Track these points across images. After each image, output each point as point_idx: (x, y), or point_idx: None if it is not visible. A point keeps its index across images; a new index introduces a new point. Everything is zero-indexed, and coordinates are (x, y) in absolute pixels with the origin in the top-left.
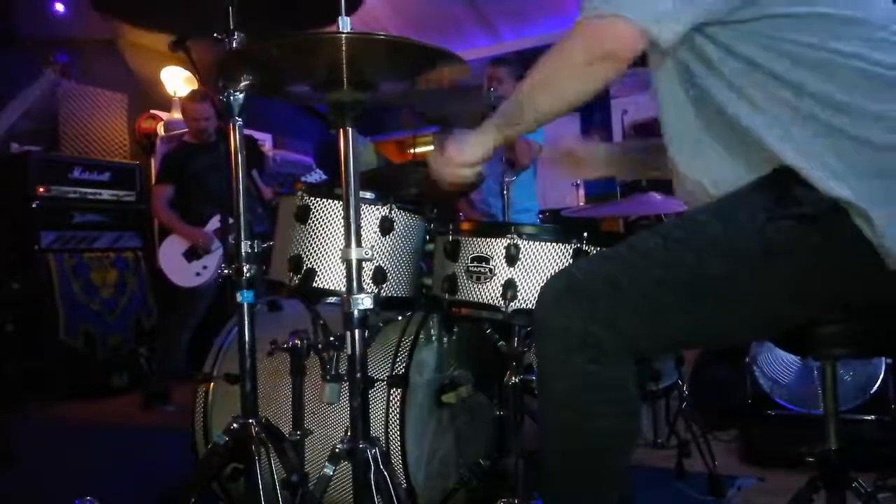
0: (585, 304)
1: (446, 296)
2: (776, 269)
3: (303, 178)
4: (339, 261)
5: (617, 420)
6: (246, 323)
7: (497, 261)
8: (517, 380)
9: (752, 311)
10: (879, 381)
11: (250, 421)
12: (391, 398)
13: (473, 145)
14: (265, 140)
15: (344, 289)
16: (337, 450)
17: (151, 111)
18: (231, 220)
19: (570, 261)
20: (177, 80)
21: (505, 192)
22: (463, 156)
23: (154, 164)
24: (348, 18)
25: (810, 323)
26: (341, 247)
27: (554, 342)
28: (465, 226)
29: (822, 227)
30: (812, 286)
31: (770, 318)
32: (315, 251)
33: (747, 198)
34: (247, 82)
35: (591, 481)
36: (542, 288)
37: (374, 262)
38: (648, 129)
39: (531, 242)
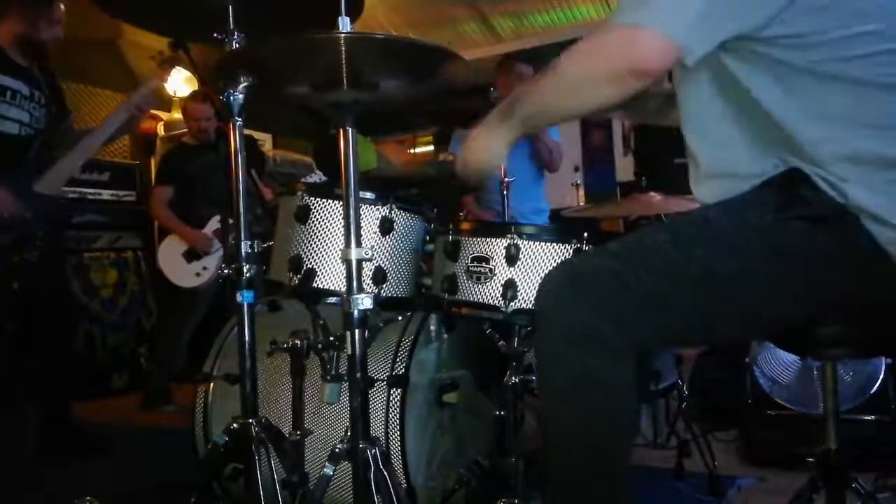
0: (589, 298)
1: (446, 296)
2: (784, 269)
3: (303, 179)
4: (339, 261)
5: (618, 415)
6: (246, 323)
7: (497, 261)
8: (517, 380)
9: (757, 310)
10: (879, 381)
11: (250, 421)
12: (391, 398)
13: (489, 149)
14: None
15: (344, 289)
16: (337, 450)
17: (151, 111)
18: (231, 221)
19: None
20: (177, 80)
21: (505, 192)
22: (484, 160)
23: (154, 165)
24: (347, 18)
25: (810, 323)
26: (341, 247)
27: (555, 334)
28: (465, 226)
29: (831, 228)
30: (818, 287)
31: (773, 316)
32: (315, 251)
33: (757, 197)
34: (246, 83)
35: (594, 480)
36: (543, 279)
37: (374, 262)
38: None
39: (531, 242)
